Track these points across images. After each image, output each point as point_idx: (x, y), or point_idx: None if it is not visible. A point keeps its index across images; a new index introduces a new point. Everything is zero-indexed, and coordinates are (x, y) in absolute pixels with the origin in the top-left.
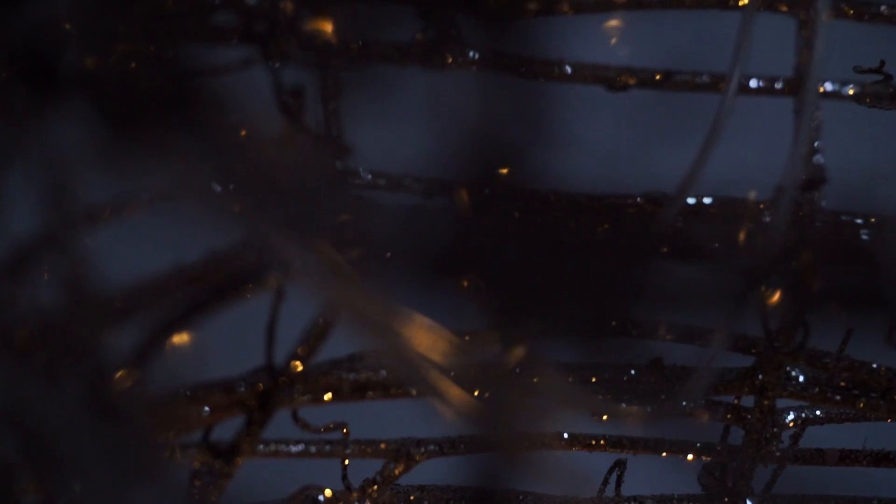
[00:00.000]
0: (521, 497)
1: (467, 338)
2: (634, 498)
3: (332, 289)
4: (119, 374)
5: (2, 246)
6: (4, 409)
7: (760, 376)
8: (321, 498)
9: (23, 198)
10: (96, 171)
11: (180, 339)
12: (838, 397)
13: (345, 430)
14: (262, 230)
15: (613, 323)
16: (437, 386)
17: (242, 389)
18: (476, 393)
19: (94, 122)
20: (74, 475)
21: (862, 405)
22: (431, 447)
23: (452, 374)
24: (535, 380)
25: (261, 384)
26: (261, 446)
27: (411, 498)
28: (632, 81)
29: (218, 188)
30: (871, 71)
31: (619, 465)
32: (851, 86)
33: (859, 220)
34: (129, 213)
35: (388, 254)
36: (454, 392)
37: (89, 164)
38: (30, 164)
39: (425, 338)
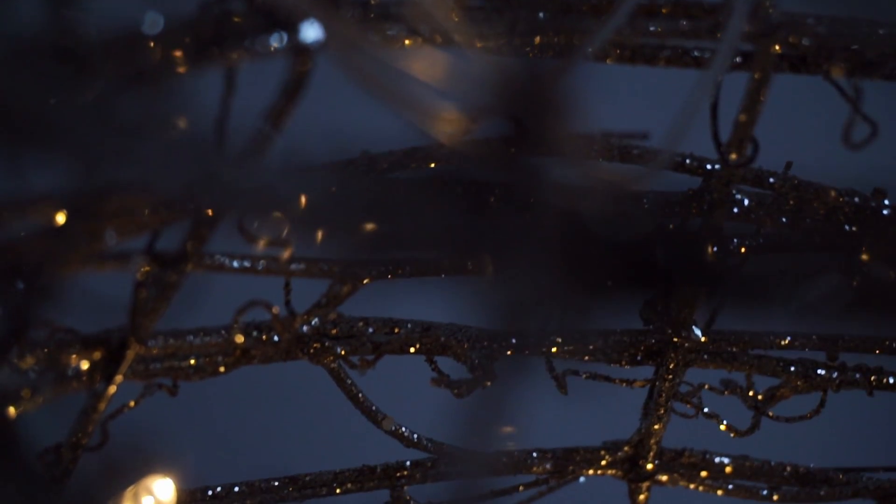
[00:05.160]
0: None
1: None
2: (578, 331)
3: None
4: None
5: None
6: None
7: (708, 195)
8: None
9: None
10: None
11: None
12: (784, 219)
13: (288, 251)
14: None
15: None
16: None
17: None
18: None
19: None
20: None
21: (807, 226)
22: (381, 268)
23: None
24: None
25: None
26: (206, 259)
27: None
28: None
29: None
30: None
31: None
32: None
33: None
34: None
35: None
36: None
37: None
38: None
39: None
